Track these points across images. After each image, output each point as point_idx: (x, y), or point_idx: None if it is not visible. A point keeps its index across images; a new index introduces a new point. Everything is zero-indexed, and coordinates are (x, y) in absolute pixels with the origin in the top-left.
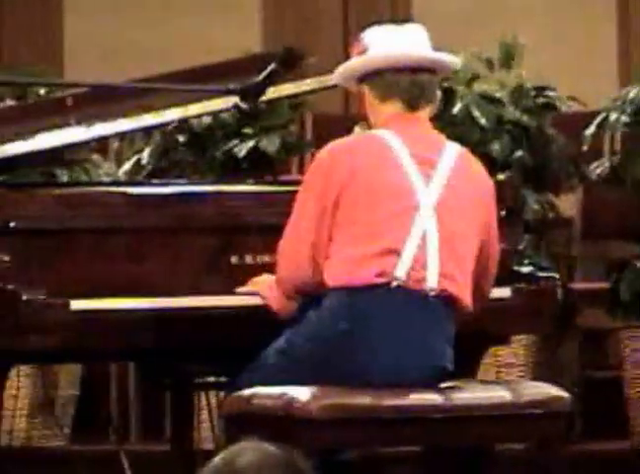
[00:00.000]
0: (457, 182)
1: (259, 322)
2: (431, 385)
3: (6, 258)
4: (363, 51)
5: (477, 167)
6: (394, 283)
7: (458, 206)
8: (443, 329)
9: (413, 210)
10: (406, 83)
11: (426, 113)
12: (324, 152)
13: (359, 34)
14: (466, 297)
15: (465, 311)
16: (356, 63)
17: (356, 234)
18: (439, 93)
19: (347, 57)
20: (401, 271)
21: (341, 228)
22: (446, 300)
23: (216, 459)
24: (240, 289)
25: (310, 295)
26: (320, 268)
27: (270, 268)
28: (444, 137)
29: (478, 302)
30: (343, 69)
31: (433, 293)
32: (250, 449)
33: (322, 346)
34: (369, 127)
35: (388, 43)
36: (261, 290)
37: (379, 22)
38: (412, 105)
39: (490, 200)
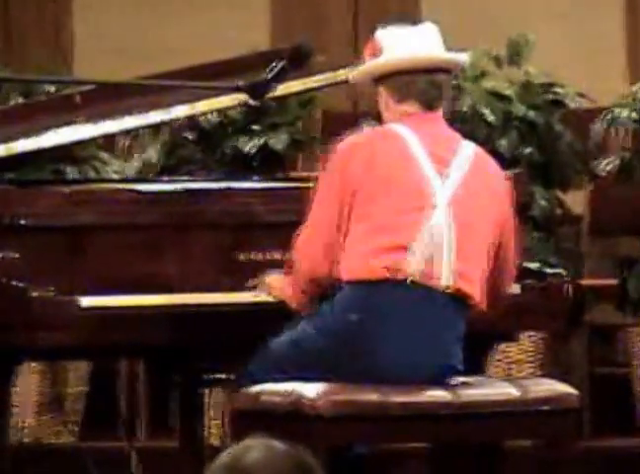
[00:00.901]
0: (472, 181)
1: (268, 318)
2: (439, 382)
3: (16, 255)
4: (378, 53)
5: (493, 167)
6: (408, 279)
7: (473, 205)
8: (455, 327)
9: (427, 207)
10: (423, 84)
11: (441, 112)
12: (341, 147)
13: (372, 34)
14: (478, 296)
15: (477, 309)
16: (372, 66)
17: (370, 228)
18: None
19: (357, 55)
20: (414, 267)
21: (356, 222)
22: (459, 298)
23: (224, 456)
24: (256, 293)
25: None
26: (336, 263)
27: (279, 264)
28: (460, 136)
29: (493, 302)
30: (359, 72)
31: (446, 291)
32: (257, 446)
33: (334, 339)
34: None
35: (403, 45)
36: (277, 293)
37: (391, 21)
38: (429, 105)
39: (505, 200)
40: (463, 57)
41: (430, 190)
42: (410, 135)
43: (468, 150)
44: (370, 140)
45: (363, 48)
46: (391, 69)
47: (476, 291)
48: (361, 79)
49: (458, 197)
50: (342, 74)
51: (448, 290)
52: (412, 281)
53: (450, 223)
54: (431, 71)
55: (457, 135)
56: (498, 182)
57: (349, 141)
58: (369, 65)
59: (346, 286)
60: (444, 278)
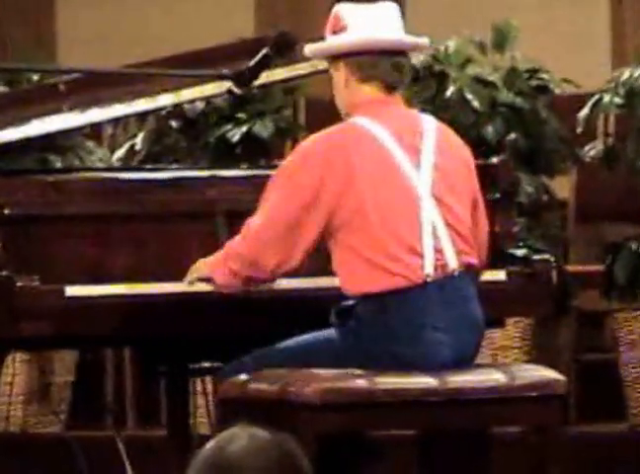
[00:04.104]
0: (443, 160)
1: (253, 308)
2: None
3: (0, 244)
4: (341, 29)
5: (454, 138)
6: (427, 280)
7: (450, 185)
8: (475, 297)
9: (416, 203)
10: (387, 66)
11: (400, 94)
12: (311, 146)
13: (335, 8)
14: (477, 260)
15: (479, 271)
16: (338, 42)
17: (369, 237)
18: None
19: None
20: (429, 268)
21: (349, 233)
22: (466, 271)
23: (208, 445)
24: (186, 279)
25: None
26: (285, 260)
27: None
28: (417, 112)
29: (481, 258)
30: (322, 47)
31: (456, 273)
32: (242, 435)
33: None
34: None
35: (369, 24)
36: (204, 271)
37: None
38: (392, 87)
39: (472, 168)
40: (425, 41)
41: (411, 184)
42: (378, 128)
43: (431, 128)
44: (342, 143)
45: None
46: (359, 48)
47: (474, 259)
48: (322, 54)
49: (436, 183)
50: (325, 63)
51: (458, 271)
52: (431, 280)
53: (438, 211)
54: (395, 53)
55: (415, 112)
56: (463, 153)
57: (318, 143)
58: (334, 41)
59: (369, 301)
60: (452, 263)
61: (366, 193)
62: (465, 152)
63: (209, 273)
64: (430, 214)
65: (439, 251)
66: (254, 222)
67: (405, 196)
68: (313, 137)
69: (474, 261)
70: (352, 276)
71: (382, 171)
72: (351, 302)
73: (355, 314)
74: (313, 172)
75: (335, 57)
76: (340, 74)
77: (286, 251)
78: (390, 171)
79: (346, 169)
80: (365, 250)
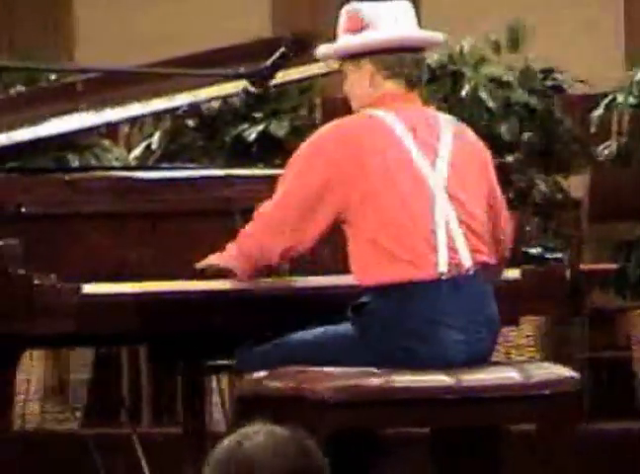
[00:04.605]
0: (459, 158)
1: (270, 306)
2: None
3: (17, 242)
4: (362, 28)
5: (472, 136)
6: (442, 278)
7: (464, 183)
8: (490, 293)
9: (429, 199)
10: (411, 62)
11: (419, 91)
12: (325, 133)
13: (348, 8)
14: (492, 259)
15: (494, 270)
16: (366, 40)
17: (385, 225)
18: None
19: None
20: (442, 266)
21: (365, 220)
22: (481, 270)
23: (225, 442)
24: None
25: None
26: (294, 246)
27: None
28: (434, 109)
29: (500, 254)
30: (348, 44)
31: (471, 272)
32: (259, 432)
33: (381, 345)
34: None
35: (390, 21)
36: (216, 260)
37: None
38: (413, 84)
39: (490, 167)
40: (442, 37)
41: (425, 178)
42: (396, 123)
43: (448, 126)
44: (358, 133)
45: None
46: (388, 44)
47: (490, 258)
48: (346, 52)
49: (452, 181)
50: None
51: (473, 270)
52: (445, 278)
53: (453, 208)
54: (415, 50)
55: (433, 111)
56: (480, 151)
57: (334, 131)
58: (359, 39)
59: (378, 293)
60: (466, 261)
61: (380, 181)
62: (482, 150)
63: (221, 260)
64: (443, 211)
65: (452, 249)
66: (265, 207)
67: (419, 190)
68: (328, 126)
69: (489, 259)
70: (365, 266)
71: (396, 162)
72: (366, 298)
73: (369, 310)
74: (327, 158)
75: (355, 56)
76: (362, 72)
77: (297, 236)
78: (404, 163)
79: (359, 157)
80: (380, 237)
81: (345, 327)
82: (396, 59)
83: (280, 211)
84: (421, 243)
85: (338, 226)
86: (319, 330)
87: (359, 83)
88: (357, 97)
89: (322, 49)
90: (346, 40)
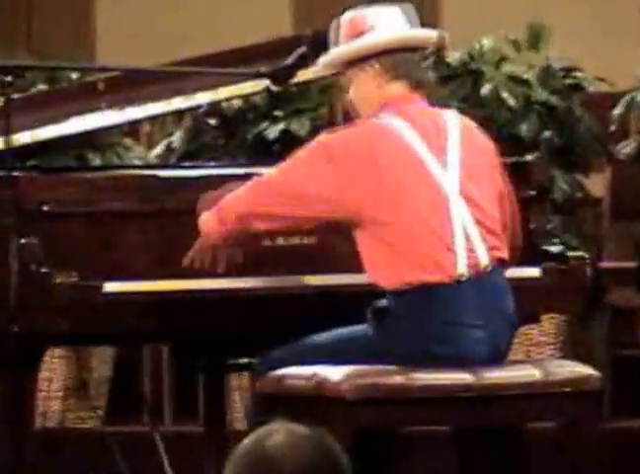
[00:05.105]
0: (468, 157)
1: (292, 304)
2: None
3: (39, 241)
4: (362, 32)
5: (478, 133)
6: (461, 279)
7: (476, 181)
8: (508, 289)
9: (445, 202)
10: (415, 62)
11: (424, 91)
12: (335, 141)
13: (346, 15)
14: (507, 255)
15: (509, 266)
16: (373, 42)
17: (403, 232)
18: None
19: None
20: (462, 268)
21: (382, 228)
22: (498, 266)
23: (246, 441)
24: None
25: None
26: (272, 230)
27: (303, 249)
28: (439, 109)
29: (512, 252)
30: (355, 47)
31: (489, 269)
32: (280, 430)
33: (403, 345)
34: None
35: (393, 22)
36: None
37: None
38: (417, 84)
39: (497, 162)
40: (446, 35)
41: (439, 182)
42: (406, 129)
43: (455, 124)
44: (368, 141)
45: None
46: (395, 44)
47: (505, 254)
48: (353, 56)
49: (463, 181)
50: None
51: (491, 268)
52: (463, 280)
53: (468, 209)
54: (415, 50)
55: (439, 110)
56: (487, 147)
57: (344, 137)
58: (365, 41)
59: (399, 297)
60: (484, 260)
61: (394, 185)
62: (489, 146)
63: (205, 227)
64: (459, 213)
65: (471, 250)
66: (269, 179)
67: (433, 195)
68: (337, 134)
69: (505, 255)
70: (384, 270)
71: (409, 169)
72: (386, 301)
73: (390, 313)
74: (339, 164)
75: (359, 60)
76: (367, 75)
77: (276, 222)
78: (417, 169)
79: (372, 163)
80: (398, 241)
81: (364, 329)
82: (401, 59)
83: (276, 194)
84: (439, 246)
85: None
86: (339, 332)
87: (365, 86)
88: (364, 101)
89: (325, 59)
90: (350, 45)
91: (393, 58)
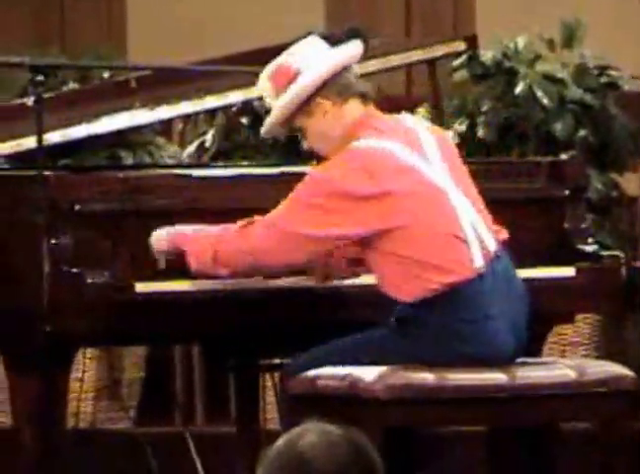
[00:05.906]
0: (443, 151)
1: (324, 303)
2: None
3: (71, 241)
4: (296, 74)
5: (436, 128)
6: (481, 272)
7: (459, 173)
8: (513, 269)
9: (446, 199)
10: (351, 78)
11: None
12: (338, 176)
13: (269, 70)
14: (506, 235)
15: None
16: (311, 78)
17: (418, 243)
18: None
19: (409, 38)
20: (478, 260)
21: (391, 246)
22: (502, 247)
23: (279, 441)
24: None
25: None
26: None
27: None
28: (396, 115)
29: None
30: (297, 92)
31: (498, 253)
32: (313, 430)
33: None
34: (320, 151)
35: (316, 55)
36: (184, 244)
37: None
38: (367, 98)
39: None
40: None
41: (436, 182)
42: (386, 142)
43: (418, 124)
44: (364, 167)
45: (275, 79)
46: (327, 74)
47: (504, 231)
48: (299, 99)
49: (449, 173)
50: (395, 59)
51: (498, 250)
52: (482, 272)
53: (465, 200)
54: (347, 67)
55: (399, 116)
56: (446, 137)
57: (344, 174)
58: (303, 81)
59: (423, 304)
60: (492, 245)
61: (397, 199)
62: (446, 136)
63: (187, 253)
64: (461, 205)
65: (480, 240)
66: (278, 218)
67: (433, 194)
68: (333, 169)
69: (506, 235)
70: (406, 286)
71: (404, 177)
72: (410, 312)
73: (416, 322)
74: (352, 204)
75: (304, 103)
76: (318, 114)
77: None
78: (410, 174)
79: (375, 185)
80: (415, 253)
81: (391, 334)
82: (341, 83)
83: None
84: (454, 243)
85: None
86: (368, 337)
87: (322, 125)
88: (326, 138)
89: (270, 119)
90: (288, 94)
91: (334, 86)
